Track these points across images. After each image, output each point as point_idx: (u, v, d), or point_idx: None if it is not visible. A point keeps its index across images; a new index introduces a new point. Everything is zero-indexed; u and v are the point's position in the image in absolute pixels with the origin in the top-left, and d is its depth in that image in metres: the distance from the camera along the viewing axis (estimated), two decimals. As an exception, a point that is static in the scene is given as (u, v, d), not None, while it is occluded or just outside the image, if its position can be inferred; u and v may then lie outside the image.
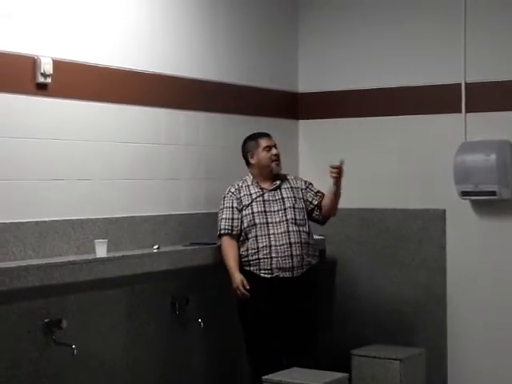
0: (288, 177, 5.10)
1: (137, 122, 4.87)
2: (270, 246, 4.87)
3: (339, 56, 5.95)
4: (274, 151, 5.00)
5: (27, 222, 4.23)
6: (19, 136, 4.22)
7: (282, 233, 4.89)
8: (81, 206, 4.51)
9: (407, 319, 5.70)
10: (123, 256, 4.47)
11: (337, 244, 5.82)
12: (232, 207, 4.96)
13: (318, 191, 5.10)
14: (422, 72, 5.64)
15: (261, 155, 5.02)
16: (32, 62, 4.27)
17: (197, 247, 4.98)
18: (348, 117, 5.90)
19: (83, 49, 4.54)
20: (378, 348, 5.47)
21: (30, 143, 4.27)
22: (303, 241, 4.92)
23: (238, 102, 5.56)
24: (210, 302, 5.10)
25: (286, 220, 4.92)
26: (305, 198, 5.05)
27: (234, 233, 4.93)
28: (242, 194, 4.98)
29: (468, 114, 5.50)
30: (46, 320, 4.10)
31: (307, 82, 6.06)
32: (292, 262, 4.87)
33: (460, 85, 5.50)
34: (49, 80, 4.33)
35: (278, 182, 5.03)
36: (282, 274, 4.86)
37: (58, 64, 4.36)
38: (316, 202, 5.05)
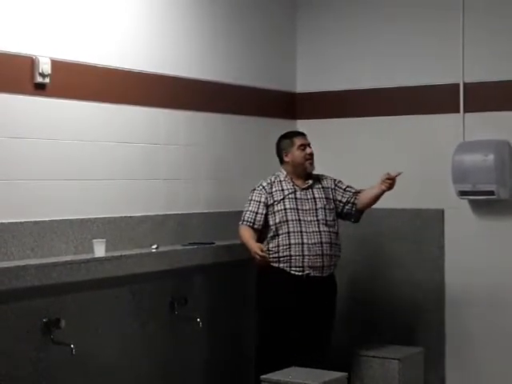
0: (319, 176, 5.11)
1: (136, 122, 4.87)
2: (303, 244, 4.87)
3: (337, 56, 5.95)
4: (308, 150, 5.01)
5: (25, 222, 4.23)
6: (17, 136, 4.22)
7: (313, 232, 4.90)
8: (79, 206, 4.52)
9: (406, 319, 5.71)
10: (122, 256, 4.47)
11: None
12: (259, 201, 4.96)
13: (347, 187, 5.09)
14: (420, 72, 5.65)
15: (295, 154, 5.02)
16: (30, 62, 4.27)
17: (195, 247, 4.99)
18: (346, 117, 5.90)
19: (82, 49, 4.54)
20: (376, 347, 5.47)
21: (28, 143, 4.27)
22: (332, 241, 4.94)
23: (237, 102, 5.56)
24: (209, 301, 5.11)
25: (317, 220, 4.93)
26: (334, 197, 5.06)
27: (255, 227, 4.93)
28: (273, 190, 4.99)
29: (466, 114, 5.50)
30: (44, 320, 4.10)
31: (305, 82, 6.07)
32: (322, 261, 4.89)
33: (458, 85, 5.51)
34: (47, 80, 4.33)
35: (310, 182, 5.03)
36: (312, 273, 4.88)
37: (56, 64, 4.36)
38: (345, 200, 5.05)
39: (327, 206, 5.00)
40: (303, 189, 5.01)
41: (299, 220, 4.92)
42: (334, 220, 5.01)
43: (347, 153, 5.90)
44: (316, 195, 5.01)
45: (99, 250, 4.40)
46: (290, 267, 4.88)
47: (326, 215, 4.97)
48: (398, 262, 5.74)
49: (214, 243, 5.13)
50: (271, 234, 4.94)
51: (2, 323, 3.93)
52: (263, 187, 5.00)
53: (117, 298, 4.52)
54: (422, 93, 5.64)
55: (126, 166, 4.80)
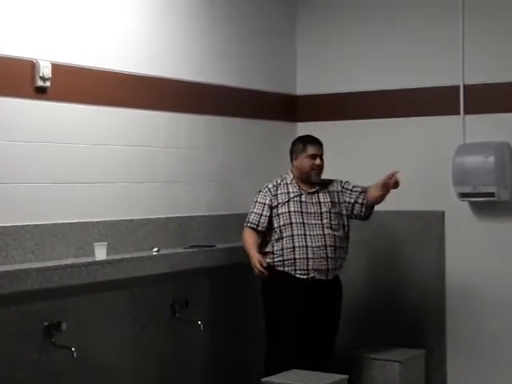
0: (326, 182, 5.09)
1: (136, 125, 4.88)
2: (307, 247, 4.87)
3: (337, 58, 5.96)
4: (317, 161, 4.98)
5: (26, 226, 4.23)
6: (18, 139, 4.23)
7: (317, 235, 4.90)
8: (80, 209, 4.52)
9: (407, 321, 5.71)
10: (123, 259, 4.48)
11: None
12: (264, 204, 4.97)
13: (354, 186, 5.07)
14: (421, 74, 5.65)
15: (304, 161, 5.00)
16: (31, 66, 4.27)
17: (196, 250, 4.99)
18: (346, 119, 5.91)
19: (82, 52, 4.55)
20: (377, 350, 5.48)
21: (29, 146, 4.27)
22: (337, 244, 4.94)
23: (237, 105, 5.56)
24: (210, 304, 5.11)
25: (322, 224, 4.93)
26: (342, 200, 5.04)
27: (259, 229, 4.95)
28: (279, 192, 4.99)
29: (466, 116, 5.51)
30: (45, 323, 4.10)
31: (305, 84, 6.07)
32: (327, 264, 4.89)
33: (458, 87, 5.51)
34: (48, 83, 4.33)
35: (317, 187, 5.03)
36: (317, 276, 4.88)
37: (57, 68, 4.37)
38: (353, 200, 5.04)
39: (332, 210, 4.99)
40: (309, 193, 5.01)
41: (303, 223, 4.92)
42: (339, 224, 5.00)
43: (347, 155, 5.90)
44: (321, 199, 5.01)
45: (100, 253, 4.40)
46: (295, 270, 4.88)
47: (330, 219, 4.96)
48: (399, 264, 5.74)
49: (214, 246, 5.13)
50: (275, 236, 4.94)
51: (3, 326, 3.94)
52: (269, 189, 5.01)
53: (118, 301, 4.52)
54: (423, 95, 5.64)
55: (126, 169, 4.81)
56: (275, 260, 4.90)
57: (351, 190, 5.08)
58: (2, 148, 4.15)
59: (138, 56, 4.89)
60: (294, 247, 4.87)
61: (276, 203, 4.96)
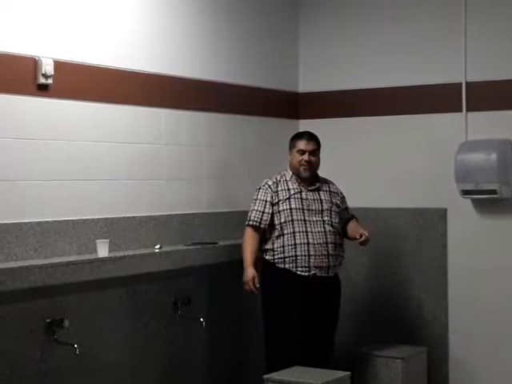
0: (328, 181, 5.11)
1: (138, 123, 4.88)
2: (308, 244, 4.87)
3: (340, 56, 5.95)
4: (305, 157, 4.97)
5: (29, 223, 4.24)
6: (20, 137, 4.23)
7: (318, 232, 4.90)
8: (82, 206, 4.53)
9: (409, 318, 5.71)
10: (125, 256, 4.48)
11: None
12: (265, 201, 4.96)
13: (347, 208, 5.13)
14: (423, 71, 5.65)
15: (294, 156, 5.02)
16: (33, 63, 4.28)
17: (199, 247, 4.99)
18: (348, 116, 5.90)
19: (84, 50, 4.55)
20: (379, 347, 5.48)
21: (31, 144, 4.28)
22: (337, 242, 4.95)
23: (239, 102, 5.57)
24: (212, 301, 5.11)
25: (323, 221, 4.93)
26: (339, 206, 5.05)
27: (262, 226, 4.93)
28: (279, 189, 4.98)
29: (469, 113, 5.50)
30: (47, 320, 4.11)
31: (308, 82, 6.07)
32: (328, 261, 4.89)
33: (461, 84, 5.50)
34: (50, 81, 4.34)
35: (317, 184, 5.03)
36: (318, 273, 4.88)
37: (59, 65, 4.37)
38: (343, 219, 5.07)
39: (333, 209, 5.00)
40: (310, 190, 5.01)
41: (304, 220, 4.92)
42: (338, 223, 5.01)
43: (350, 152, 5.90)
44: (322, 197, 5.01)
45: (102, 250, 4.41)
46: (296, 267, 4.88)
47: (331, 217, 4.97)
48: (401, 262, 5.74)
49: (217, 243, 5.14)
50: (276, 233, 4.94)
51: (5, 323, 3.94)
52: (269, 186, 5.00)
53: (120, 298, 4.53)
54: (425, 92, 5.64)
55: (128, 167, 4.81)
56: (275, 257, 4.90)
57: (344, 209, 5.10)
58: (4, 145, 4.16)
59: (141, 53, 4.89)
60: (295, 244, 4.87)
61: (277, 200, 4.95)
